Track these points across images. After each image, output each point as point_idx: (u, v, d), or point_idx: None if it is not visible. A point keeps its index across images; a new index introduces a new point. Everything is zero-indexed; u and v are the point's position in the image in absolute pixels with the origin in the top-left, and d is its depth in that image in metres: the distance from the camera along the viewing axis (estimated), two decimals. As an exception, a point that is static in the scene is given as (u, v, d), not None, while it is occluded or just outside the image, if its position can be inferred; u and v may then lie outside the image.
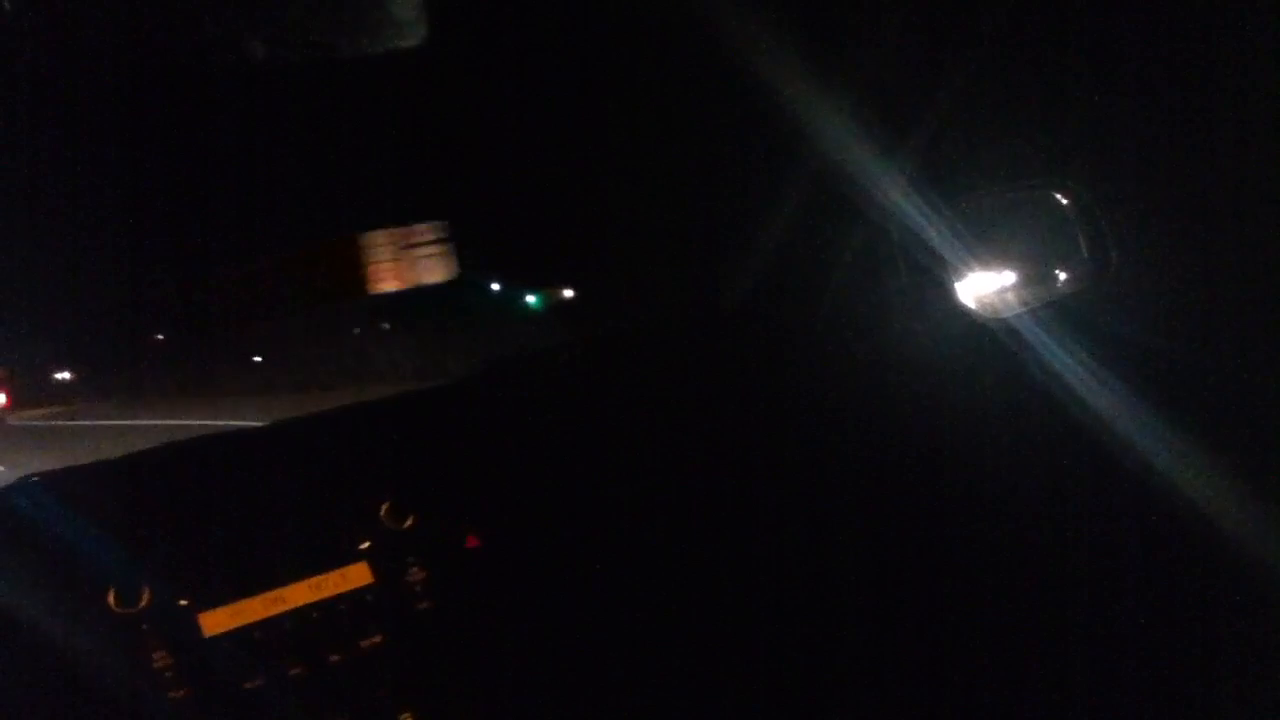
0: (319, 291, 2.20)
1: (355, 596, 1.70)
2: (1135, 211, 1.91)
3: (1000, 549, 2.01)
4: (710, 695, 1.94)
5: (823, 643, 2.03)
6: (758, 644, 2.00)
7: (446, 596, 1.75)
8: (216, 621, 1.63)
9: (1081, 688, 1.97)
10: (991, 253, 1.98)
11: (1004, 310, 1.97)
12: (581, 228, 2.37)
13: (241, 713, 1.63)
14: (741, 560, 2.00)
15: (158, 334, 2.06)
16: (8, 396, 2.02)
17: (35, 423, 2.03)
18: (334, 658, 1.68)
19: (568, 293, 2.40)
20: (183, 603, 1.63)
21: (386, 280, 2.19)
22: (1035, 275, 1.97)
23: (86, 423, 2.06)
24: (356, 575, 1.70)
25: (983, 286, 2.00)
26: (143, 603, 1.61)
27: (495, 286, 2.37)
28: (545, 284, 2.42)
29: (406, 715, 1.72)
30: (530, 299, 2.43)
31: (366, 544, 1.73)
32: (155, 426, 1.98)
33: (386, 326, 2.50)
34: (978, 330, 1.99)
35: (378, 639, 1.70)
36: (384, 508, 1.75)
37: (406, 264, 2.19)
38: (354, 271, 2.18)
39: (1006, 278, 1.99)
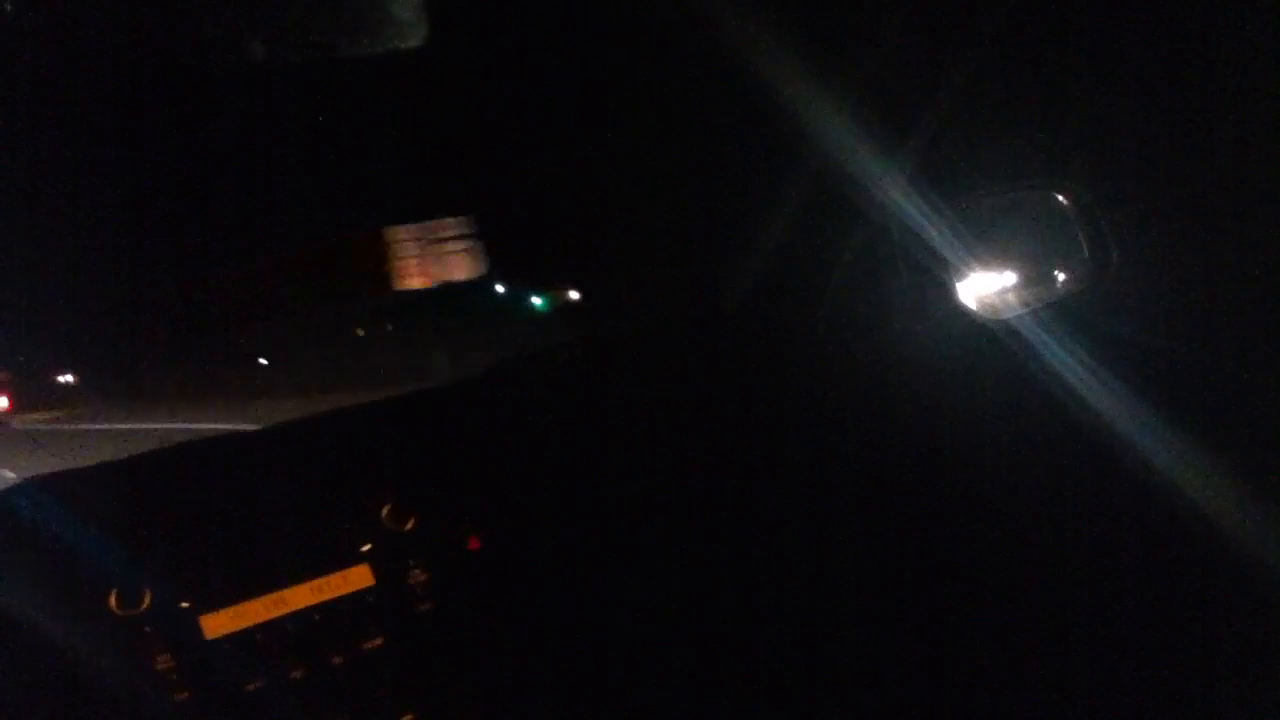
0: (332, 290, 2.20)
1: (356, 598, 1.70)
2: (1135, 211, 1.90)
3: (1000, 549, 2.01)
4: (710, 695, 1.94)
5: (823, 643, 2.03)
6: (758, 644, 2.00)
7: (448, 598, 1.76)
8: (218, 624, 1.63)
9: (1081, 688, 1.97)
10: (992, 253, 1.97)
11: (1004, 311, 1.97)
12: (581, 228, 2.37)
13: (243, 714, 1.64)
14: (742, 561, 1.99)
15: (161, 336, 2.06)
16: (10, 400, 2.03)
17: (38, 426, 2.03)
18: (335, 659, 1.68)
19: (573, 294, 2.39)
20: (184, 605, 1.63)
21: (411, 277, 2.19)
22: (1035, 276, 1.97)
23: (90, 426, 2.06)
24: (358, 577, 1.70)
25: (983, 287, 1.99)
26: (144, 605, 1.62)
27: (500, 288, 2.37)
28: (549, 285, 2.42)
29: (408, 716, 1.72)
30: (536, 300, 2.42)
31: (368, 546, 1.73)
32: (159, 430, 1.98)
33: (390, 328, 2.49)
34: (978, 330, 1.99)
35: (379, 641, 1.71)
36: (385, 509, 1.75)
37: (432, 260, 2.19)
38: (377, 268, 2.18)
39: (1007, 278, 1.99)
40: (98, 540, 1.62)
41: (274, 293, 2.15)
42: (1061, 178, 1.94)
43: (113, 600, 1.61)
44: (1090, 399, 1.89)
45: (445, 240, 2.21)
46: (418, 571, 1.74)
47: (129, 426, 2.06)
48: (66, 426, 2.03)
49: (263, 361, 2.28)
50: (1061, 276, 1.96)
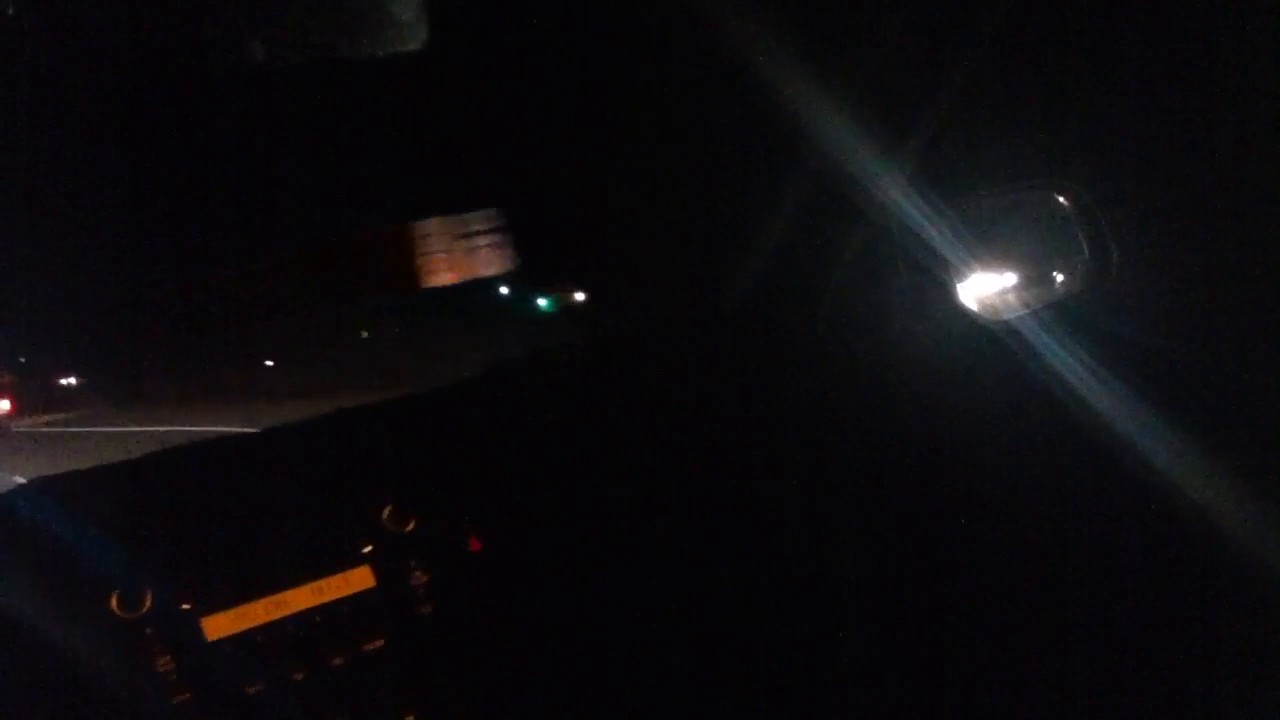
0: (336, 289, 2.20)
1: (357, 600, 1.70)
2: (1135, 212, 1.90)
3: (1000, 549, 2.00)
4: (711, 696, 1.94)
5: (823, 643, 2.03)
6: (758, 645, 2.00)
7: (448, 599, 1.75)
8: (219, 625, 1.63)
9: (1081, 688, 1.97)
10: (992, 254, 1.97)
11: (1005, 311, 1.96)
12: (581, 229, 2.36)
13: (244, 716, 1.63)
14: (742, 561, 1.99)
15: (163, 338, 2.06)
16: (11, 403, 2.02)
17: (40, 429, 2.03)
18: (336, 661, 1.68)
19: (579, 295, 2.39)
20: (185, 607, 1.63)
21: (421, 275, 2.19)
22: (1036, 276, 1.96)
23: (92, 429, 2.06)
24: (359, 579, 1.70)
25: (984, 288, 1.99)
26: (145, 607, 1.61)
27: (503, 290, 2.36)
28: (554, 286, 2.41)
29: (409, 718, 1.72)
30: (541, 302, 2.41)
31: (368, 547, 1.73)
32: (161, 432, 1.97)
33: (395, 330, 2.49)
34: (978, 331, 1.98)
35: (380, 642, 1.71)
36: (386, 511, 1.75)
37: (461, 255, 2.19)
38: (382, 266, 2.18)
39: (1007, 279, 1.98)
40: (99, 542, 1.62)
41: (277, 293, 2.14)
42: (1062, 178, 1.93)
43: (114, 602, 1.61)
44: (1091, 399, 1.89)
45: (457, 237, 2.21)
46: (418, 573, 1.74)
47: (131, 429, 2.06)
48: (68, 429, 2.03)
49: (269, 364, 2.28)
50: (1062, 277, 1.96)
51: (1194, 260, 1.93)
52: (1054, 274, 1.97)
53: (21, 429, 2.03)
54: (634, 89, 2.21)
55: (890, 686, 2.03)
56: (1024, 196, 1.98)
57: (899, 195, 1.97)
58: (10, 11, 1.81)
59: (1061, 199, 1.91)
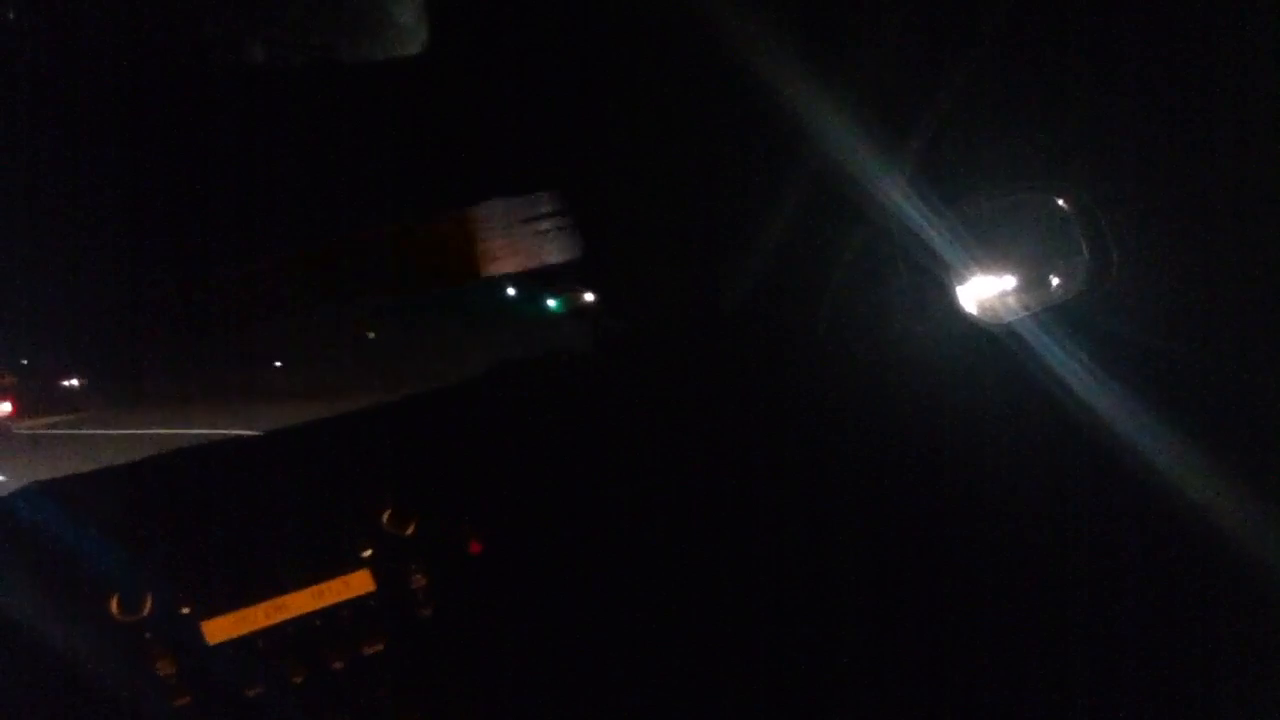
0: (340, 289, 2.19)
1: (357, 603, 1.68)
2: (1135, 212, 1.89)
3: (1000, 549, 1.99)
4: (711, 698, 1.93)
5: (823, 643, 2.01)
6: (759, 646, 1.99)
7: (449, 602, 1.74)
8: (219, 629, 1.62)
9: (1081, 688, 1.96)
10: (992, 256, 1.96)
11: (1005, 314, 1.95)
12: (580, 229, 2.35)
13: None
14: (743, 562, 1.98)
15: (166, 340, 2.05)
16: (14, 405, 2.01)
17: (41, 430, 2.02)
18: (336, 664, 1.67)
19: (588, 296, 2.37)
20: (185, 610, 1.61)
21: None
22: (1036, 278, 1.95)
23: (93, 431, 2.05)
24: (359, 582, 1.69)
25: (984, 290, 1.98)
26: (145, 610, 1.60)
27: (510, 290, 2.34)
28: (563, 287, 2.39)
29: None
30: (551, 302, 2.40)
31: (369, 551, 1.71)
32: (163, 435, 1.96)
33: (403, 331, 2.47)
34: (978, 331, 1.97)
35: (380, 646, 1.70)
36: (386, 514, 1.73)
37: (523, 241, 2.18)
38: (389, 264, 2.17)
39: (1007, 281, 1.97)
40: (99, 545, 1.61)
41: (278, 294, 2.13)
42: (1061, 179, 1.92)
43: (114, 605, 1.59)
44: (1090, 400, 1.88)
45: (554, 215, 2.20)
46: (418, 576, 1.72)
47: (133, 431, 2.04)
48: (70, 431, 2.01)
49: (277, 365, 2.27)
50: (1062, 279, 1.95)
51: (1194, 261, 1.92)
52: (1054, 276, 1.96)
53: (23, 430, 2.01)
54: (634, 89, 2.20)
55: (890, 686, 2.01)
56: (1024, 198, 1.97)
57: (899, 196, 1.96)
58: (11, 15, 1.80)
59: (1061, 201, 1.90)
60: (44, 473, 1.70)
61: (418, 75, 2.04)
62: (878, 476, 2.01)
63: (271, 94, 2.02)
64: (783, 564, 2.00)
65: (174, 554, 1.65)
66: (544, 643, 1.84)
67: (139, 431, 2.02)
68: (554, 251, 2.25)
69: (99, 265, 1.96)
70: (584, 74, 2.19)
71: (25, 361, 2.03)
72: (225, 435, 1.88)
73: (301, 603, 1.65)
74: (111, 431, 2.03)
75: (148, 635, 1.60)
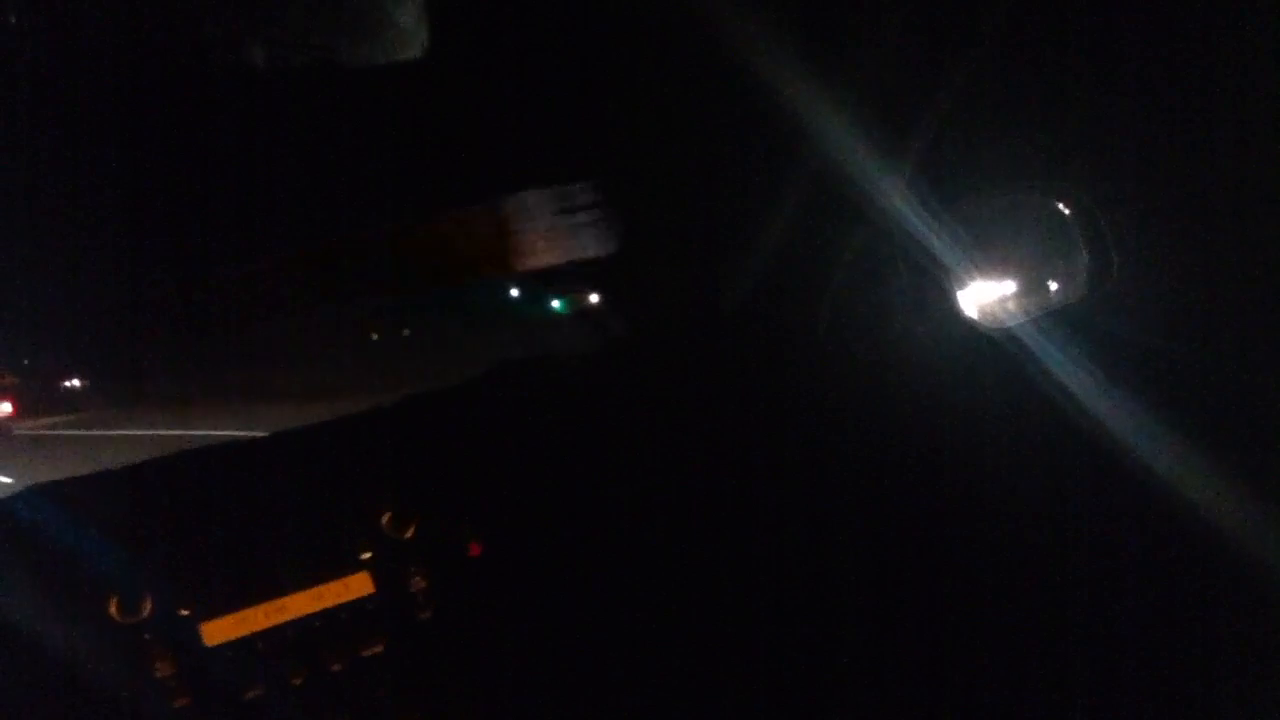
0: (343, 288, 2.18)
1: (357, 606, 1.67)
2: (1135, 213, 1.89)
3: (1001, 550, 1.98)
4: (712, 700, 1.92)
5: (823, 644, 2.00)
6: (759, 648, 1.98)
7: (449, 605, 1.73)
8: (218, 631, 1.60)
9: (1082, 688, 1.95)
10: (992, 258, 1.96)
11: (1005, 318, 1.95)
12: (580, 228, 2.34)
13: None
14: (743, 564, 1.97)
15: (167, 341, 2.04)
16: (14, 405, 1.99)
17: (42, 431, 2.01)
18: (336, 667, 1.65)
19: (593, 297, 2.36)
20: (184, 612, 1.60)
21: (507, 260, 2.17)
22: (1036, 281, 1.95)
23: (94, 432, 2.04)
24: (358, 585, 1.67)
25: (984, 294, 1.98)
26: (144, 612, 1.59)
27: (514, 291, 2.33)
28: (567, 287, 2.38)
29: None
30: (555, 303, 2.38)
31: (368, 553, 1.70)
32: (164, 436, 1.95)
33: (407, 332, 2.46)
34: (978, 335, 1.97)
35: (379, 648, 1.68)
36: (385, 517, 1.72)
37: (563, 233, 2.17)
38: (394, 264, 2.16)
39: (1008, 285, 1.97)
40: (98, 547, 1.59)
41: (282, 293, 2.13)
42: (1062, 180, 1.92)
43: (113, 607, 1.58)
44: (1090, 401, 1.87)
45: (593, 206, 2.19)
46: (418, 578, 1.71)
47: (134, 432, 2.03)
48: (70, 432, 2.00)
49: (279, 365, 2.26)
50: (1062, 281, 1.94)
51: (1194, 262, 1.91)
52: (1054, 278, 1.96)
53: (24, 431, 2.00)
54: (634, 89, 2.19)
55: (890, 686, 2.00)
56: (1023, 200, 1.97)
57: (899, 197, 1.95)
58: (12, 18, 1.79)
59: (1061, 203, 1.90)
60: (44, 474, 1.69)
61: (416, 77, 2.03)
62: (878, 478, 2.00)
63: (272, 93, 2.01)
64: (782, 564, 1.99)
65: (173, 555, 1.64)
66: (544, 645, 1.82)
67: (140, 432, 2.01)
68: (558, 251, 2.24)
69: (100, 265, 1.95)
70: (583, 75, 2.18)
71: (26, 362, 2.01)
72: (226, 436, 1.87)
73: (301, 604, 1.64)
74: (112, 432, 2.02)
75: (147, 637, 1.58)
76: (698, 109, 2.17)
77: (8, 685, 1.55)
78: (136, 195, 1.94)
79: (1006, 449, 1.97)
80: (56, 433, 2.00)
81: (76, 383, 2.05)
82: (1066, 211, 1.88)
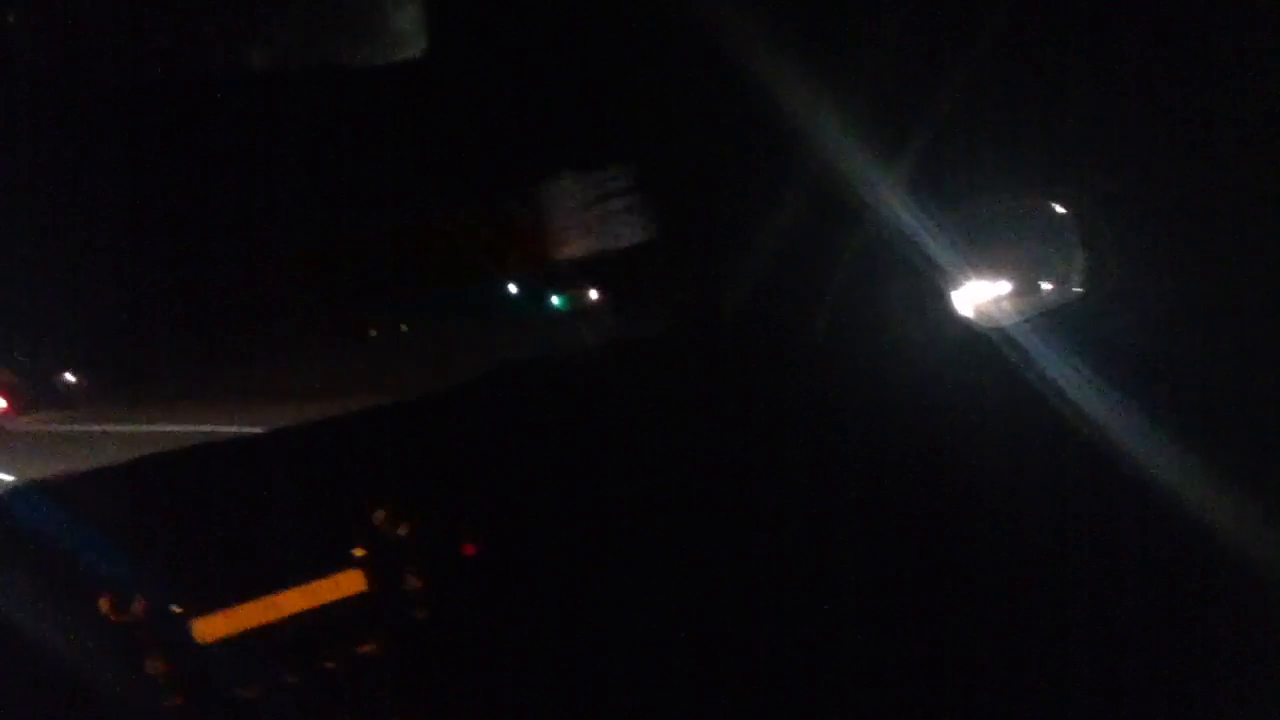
0: (343, 286, 2.17)
1: (350, 603, 1.65)
2: (1134, 215, 1.88)
3: (1000, 550, 1.96)
4: (709, 700, 1.89)
5: (823, 645, 1.98)
6: (757, 648, 1.95)
7: (442, 603, 1.71)
8: (211, 628, 1.58)
9: (1082, 688, 1.93)
10: (991, 259, 1.95)
11: (1001, 318, 1.93)
12: (581, 226, 2.33)
13: (236, 719, 1.59)
14: (741, 565, 1.94)
15: (166, 336, 2.02)
16: (9, 401, 1.97)
17: (37, 428, 1.98)
18: (329, 665, 1.64)
19: (593, 293, 2.34)
20: (177, 609, 1.58)
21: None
22: (1034, 281, 1.94)
23: (90, 428, 2.01)
24: (351, 582, 1.65)
25: (982, 294, 1.97)
26: (136, 609, 1.57)
27: (513, 288, 2.31)
28: (567, 284, 2.36)
29: None
30: (555, 300, 2.36)
31: (362, 551, 1.68)
32: (161, 433, 1.93)
33: (405, 328, 2.44)
34: (976, 335, 1.96)
35: (373, 646, 1.66)
36: (380, 515, 1.70)
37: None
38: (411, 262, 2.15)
39: (1005, 285, 1.96)
40: (90, 544, 1.57)
41: (280, 291, 2.11)
42: (1060, 182, 1.91)
43: (105, 604, 1.56)
44: (1087, 402, 1.87)
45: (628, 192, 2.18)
46: (412, 577, 1.69)
47: (131, 429, 2.01)
48: (66, 428, 1.98)
49: (280, 362, 2.23)
50: (1060, 282, 1.93)
51: (1193, 264, 1.90)
52: (1052, 279, 1.94)
53: (18, 428, 1.98)
54: (634, 89, 2.18)
55: (890, 687, 1.98)
56: (1023, 202, 1.97)
57: (898, 200, 1.94)
58: (11, 19, 1.79)
59: (1060, 204, 1.89)
60: (39, 471, 1.67)
61: (417, 77, 2.03)
62: (876, 477, 1.98)
63: (271, 91, 2.00)
64: (782, 567, 1.97)
65: (166, 552, 1.62)
66: (538, 645, 1.80)
67: (137, 429, 1.98)
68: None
69: (97, 260, 1.94)
70: (583, 75, 2.18)
71: (20, 357, 1.99)
72: (221, 434, 1.85)
73: (294, 602, 1.61)
74: (110, 428, 1.99)
75: (139, 634, 1.56)
76: (698, 110, 2.17)
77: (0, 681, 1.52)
78: (134, 191, 1.93)
79: (1004, 450, 1.95)
80: (52, 429, 1.97)
81: (73, 379, 2.02)
82: (1064, 213, 1.86)
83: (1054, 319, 1.91)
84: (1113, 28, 1.89)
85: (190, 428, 1.94)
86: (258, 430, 1.84)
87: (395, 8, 1.98)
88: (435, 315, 2.27)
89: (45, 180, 1.89)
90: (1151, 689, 1.92)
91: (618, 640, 1.85)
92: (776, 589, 1.96)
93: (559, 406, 1.92)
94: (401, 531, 1.70)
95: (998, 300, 1.95)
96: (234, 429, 1.89)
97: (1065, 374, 1.86)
